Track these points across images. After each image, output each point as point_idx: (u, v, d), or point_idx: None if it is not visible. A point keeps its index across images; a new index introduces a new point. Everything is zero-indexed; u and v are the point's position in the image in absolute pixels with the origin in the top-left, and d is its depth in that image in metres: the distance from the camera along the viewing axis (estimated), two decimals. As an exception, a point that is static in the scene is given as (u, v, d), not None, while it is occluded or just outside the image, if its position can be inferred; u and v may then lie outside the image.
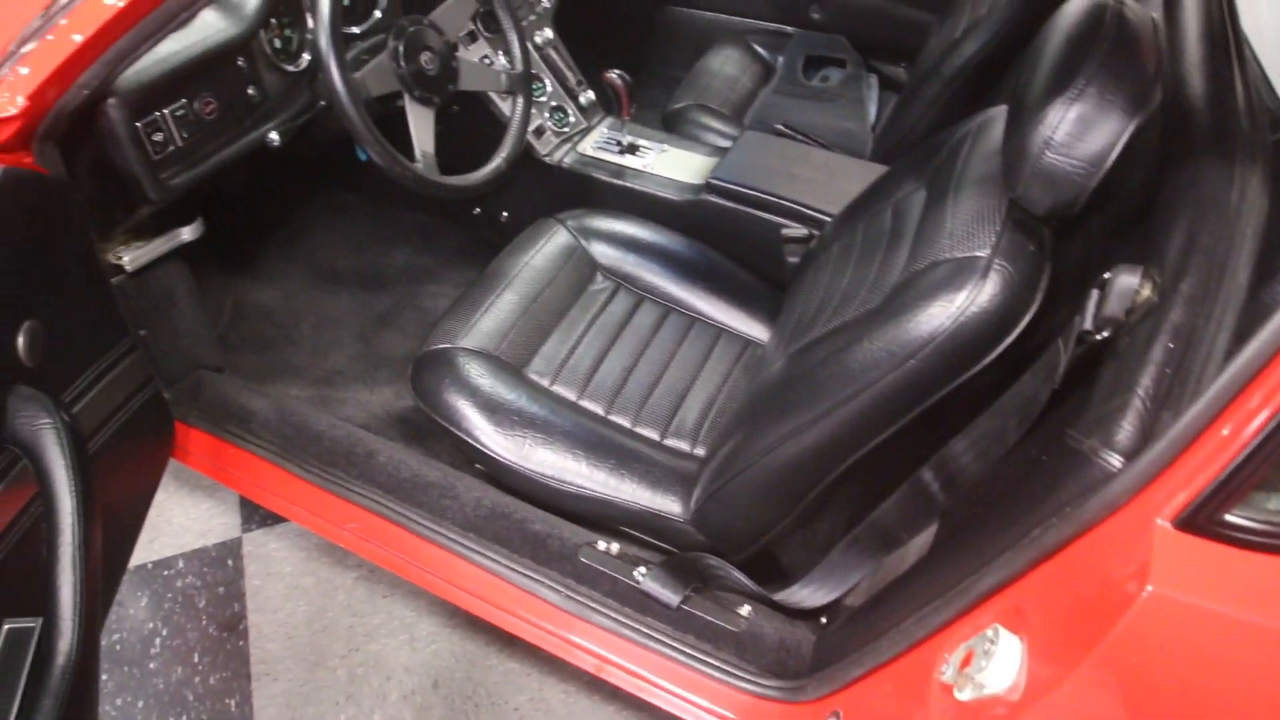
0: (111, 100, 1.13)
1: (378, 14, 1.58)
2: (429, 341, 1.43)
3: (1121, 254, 0.96)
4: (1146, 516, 0.67)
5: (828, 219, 1.56)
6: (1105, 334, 0.82)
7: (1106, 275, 0.84)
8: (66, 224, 1.10)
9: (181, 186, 1.26)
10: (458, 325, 1.43)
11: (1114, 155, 0.85)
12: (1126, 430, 0.73)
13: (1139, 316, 0.80)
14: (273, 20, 1.43)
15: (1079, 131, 0.85)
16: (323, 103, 1.49)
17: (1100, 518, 0.70)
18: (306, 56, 1.49)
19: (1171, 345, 0.75)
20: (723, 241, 1.67)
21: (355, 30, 1.55)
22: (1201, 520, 0.64)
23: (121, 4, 0.97)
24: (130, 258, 1.32)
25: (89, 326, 1.16)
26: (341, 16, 1.42)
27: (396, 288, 2.00)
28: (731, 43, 2.39)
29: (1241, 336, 0.76)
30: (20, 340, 1.00)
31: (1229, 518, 0.65)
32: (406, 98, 1.44)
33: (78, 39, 1.01)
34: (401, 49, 1.41)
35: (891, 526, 1.12)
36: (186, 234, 1.40)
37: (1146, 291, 0.80)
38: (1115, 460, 0.72)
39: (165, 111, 1.22)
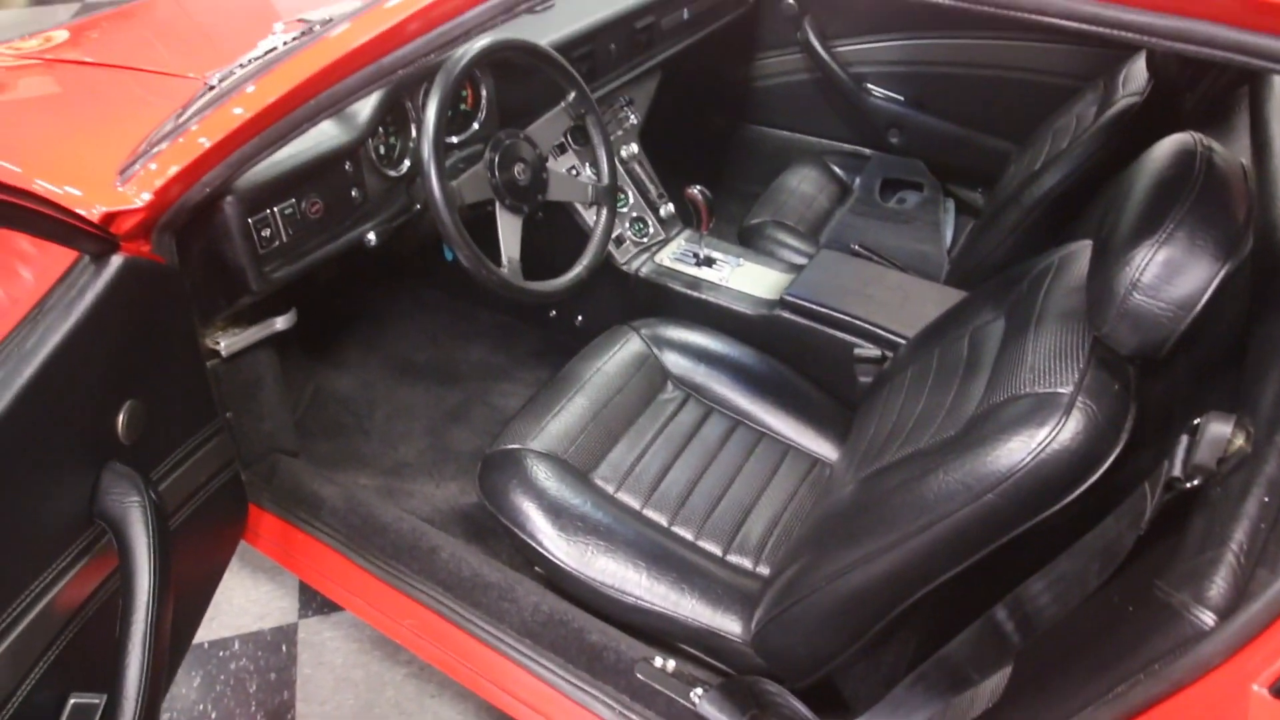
0: (229, 198, 1.21)
1: (476, 126, 1.68)
2: (499, 441, 1.45)
3: (1210, 399, 0.94)
4: (1242, 681, 0.63)
5: (902, 341, 1.56)
6: (1195, 482, 0.79)
7: (1196, 421, 0.81)
8: (175, 310, 1.17)
9: (282, 279, 1.33)
10: (528, 426, 1.46)
11: (1204, 300, 0.84)
12: (1220, 586, 0.69)
13: (1231, 466, 0.77)
14: (380, 128, 1.53)
15: (1167, 275, 0.84)
16: (418, 206, 1.57)
17: (1191, 679, 0.66)
18: (407, 162, 1.57)
19: (1267, 499, 0.72)
20: (794, 358, 1.68)
21: (453, 140, 1.64)
22: (1304, 692, 0.61)
23: (250, 115, 1.05)
24: (226, 343, 1.39)
25: (183, 408, 1.21)
26: (444, 127, 1.51)
27: (469, 384, 2.05)
28: (809, 162, 2.45)
29: (1343, 494, 0.73)
30: (121, 418, 1.05)
31: (1335, 691, 0.61)
32: (497, 205, 1.50)
33: (205, 143, 1.09)
34: (496, 160, 1.48)
35: (961, 665, 1.07)
36: (280, 323, 1.47)
37: (1239, 441, 0.78)
38: (1208, 618, 0.69)
39: (275, 209, 1.30)
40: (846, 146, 2.59)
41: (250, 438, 1.54)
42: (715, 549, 1.37)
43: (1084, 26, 0.69)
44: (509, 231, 1.51)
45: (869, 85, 2.48)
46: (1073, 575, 0.94)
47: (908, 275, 1.85)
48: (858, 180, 2.40)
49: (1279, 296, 0.91)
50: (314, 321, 1.83)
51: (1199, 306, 0.84)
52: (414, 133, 1.58)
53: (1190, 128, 1.65)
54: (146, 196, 1.10)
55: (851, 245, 2.02)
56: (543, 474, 1.37)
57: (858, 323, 1.63)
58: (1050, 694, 0.84)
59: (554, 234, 1.86)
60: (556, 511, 1.33)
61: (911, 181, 2.38)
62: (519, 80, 1.72)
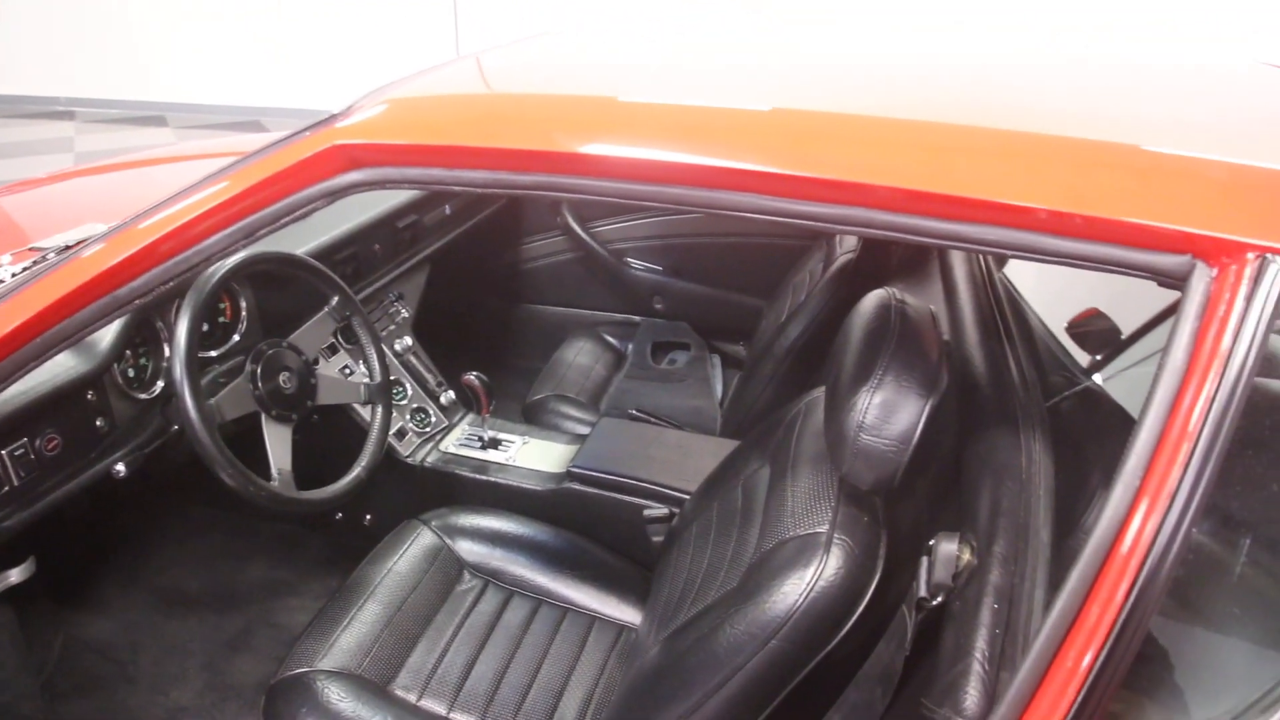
0: (-59, 450, 1.09)
1: (237, 338, 1.64)
2: (284, 666, 1.34)
3: (944, 518, 1.05)
4: (1004, 785, 0.68)
5: (686, 496, 1.63)
6: (939, 599, 0.87)
7: (931, 542, 0.91)
8: None
9: (14, 529, 1.20)
10: (316, 645, 1.36)
11: (919, 433, 0.95)
12: (972, 695, 0.76)
13: (965, 579, 0.86)
14: (127, 351, 1.45)
15: (885, 415, 0.96)
16: (175, 427, 1.49)
17: (966, 791, 0.71)
18: (161, 383, 1.50)
19: (996, 606, 0.81)
20: (588, 527, 1.70)
21: (212, 354, 1.58)
22: (1054, 783, 0.67)
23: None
24: (-54, 610, 1.22)
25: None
26: (199, 344, 1.46)
27: (250, 606, 1.89)
28: (584, 334, 2.57)
29: (1055, 588, 0.83)
30: None
31: (1079, 777, 0.67)
32: (264, 417, 1.46)
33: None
34: (259, 371, 1.45)
35: (784, 817, 1.08)
36: (15, 576, 1.31)
37: (966, 556, 0.87)
38: (968, 728, 0.75)
39: (3, 453, 1.19)
40: (617, 316, 2.75)
41: (-19, 715, 1.33)
42: (530, 743, 1.31)
43: (768, 217, 0.81)
44: (277, 442, 1.46)
45: (629, 259, 2.67)
46: (862, 705, 0.99)
47: (685, 432, 1.95)
48: (630, 347, 2.53)
49: (979, 421, 1.05)
50: (61, 562, 1.64)
51: (915, 438, 0.95)
52: (167, 352, 1.51)
53: (898, 277, 1.90)
54: None
55: (630, 410, 2.11)
56: (335, 696, 1.28)
57: (643, 484, 1.68)
58: (858, 830, 0.86)
59: (331, 436, 1.81)
60: (354, 736, 1.23)
61: (679, 343, 2.55)
62: (279, 288, 1.71)
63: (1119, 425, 1.07)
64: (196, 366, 1.32)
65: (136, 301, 0.96)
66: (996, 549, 0.86)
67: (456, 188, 0.88)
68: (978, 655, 0.78)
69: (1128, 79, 1.08)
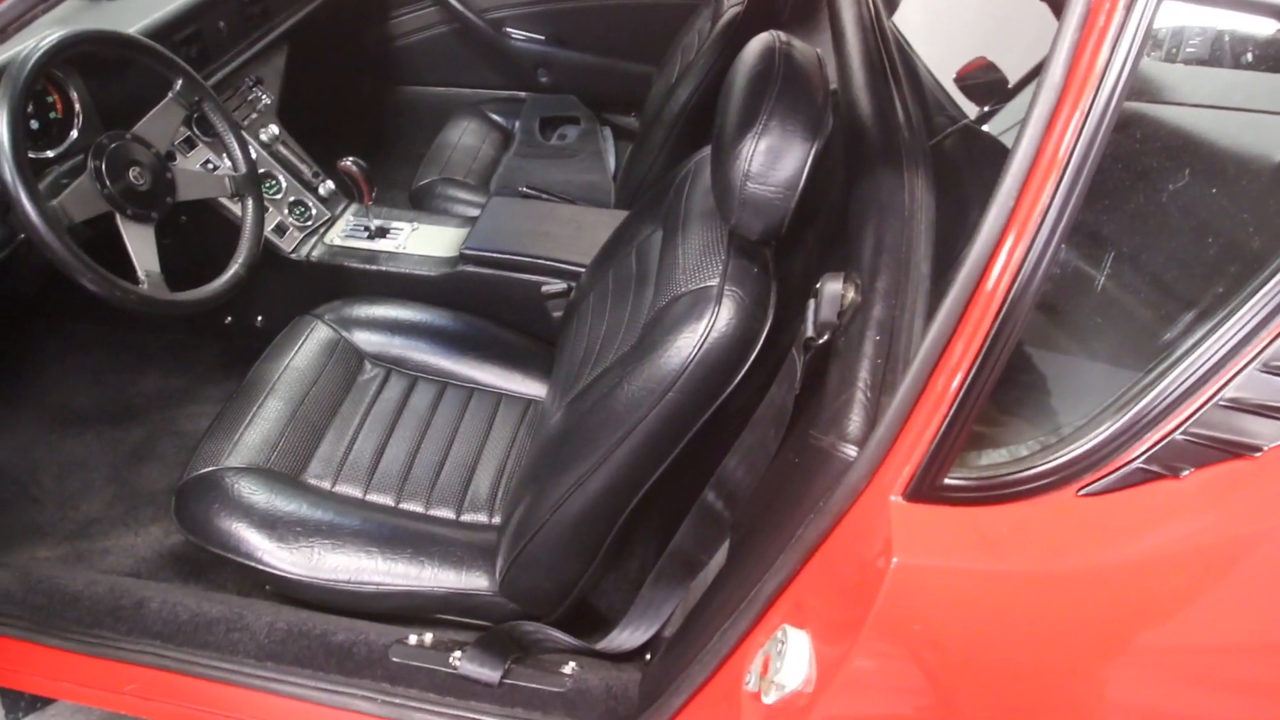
0: None
1: (75, 134, 1.47)
2: (190, 468, 1.33)
3: (831, 263, 1.06)
4: (882, 495, 0.74)
5: (583, 269, 1.62)
6: (825, 337, 0.90)
7: (818, 285, 0.92)
8: None
9: None
10: (220, 445, 1.35)
11: (804, 177, 0.94)
12: (855, 421, 0.80)
13: (849, 317, 0.89)
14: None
15: (771, 161, 0.94)
16: (23, 235, 1.36)
17: (847, 506, 0.76)
18: (-6, 190, 1.36)
19: (878, 338, 0.84)
20: (487, 308, 1.68)
21: (49, 154, 1.43)
22: (926, 489, 0.72)
23: None
24: None
25: None
26: (28, 142, 1.32)
27: (149, 416, 1.85)
28: (468, 114, 2.43)
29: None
30: None
31: (948, 481, 0.73)
32: (119, 217, 1.35)
33: None
34: (103, 168, 1.32)
35: (690, 551, 1.16)
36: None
37: (850, 294, 0.89)
38: (851, 450, 0.79)
39: None
40: (501, 93, 2.60)
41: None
42: (448, 513, 1.36)
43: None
44: (139, 243, 1.35)
45: (508, 29, 2.48)
46: (757, 445, 1.04)
47: (579, 206, 1.90)
48: (517, 124, 2.41)
49: (864, 162, 1.05)
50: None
51: (800, 183, 0.94)
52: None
53: (786, 28, 1.82)
54: None
55: (520, 188, 2.05)
56: (247, 490, 1.28)
57: (539, 261, 1.66)
58: (755, 552, 0.93)
59: (207, 237, 1.70)
60: (271, 524, 1.25)
61: (568, 117, 2.44)
62: (114, 76, 1.53)
63: (998, 159, 1.08)
64: (28, 165, 1.19)
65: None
66: (879, 284, 0.88)
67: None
68: (860, 385, 0.82)
69: None
